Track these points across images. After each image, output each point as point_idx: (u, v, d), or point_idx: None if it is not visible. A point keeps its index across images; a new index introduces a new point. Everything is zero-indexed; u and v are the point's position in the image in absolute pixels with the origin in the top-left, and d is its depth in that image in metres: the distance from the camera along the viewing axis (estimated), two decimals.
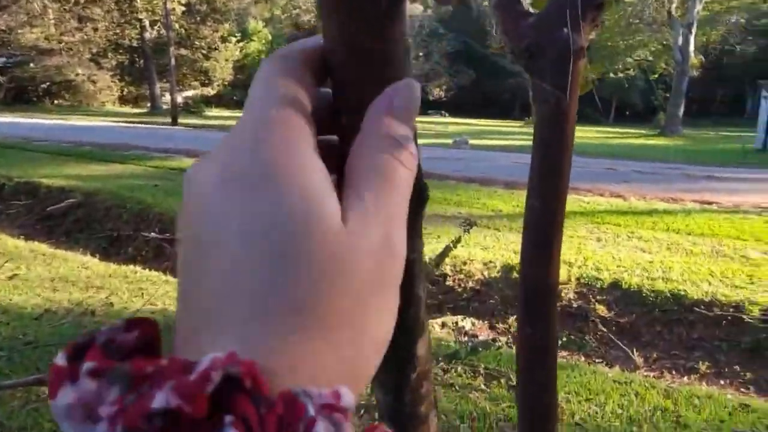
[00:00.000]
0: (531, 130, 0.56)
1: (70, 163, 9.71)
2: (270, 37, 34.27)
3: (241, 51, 33.78)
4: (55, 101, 29.37)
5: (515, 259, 4.72)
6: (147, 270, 4.91)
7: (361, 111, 0.27)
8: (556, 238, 0.56)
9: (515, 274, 4.55)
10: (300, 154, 0.23)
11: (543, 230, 0.56)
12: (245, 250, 0.21)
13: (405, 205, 0.25)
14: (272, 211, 0.21)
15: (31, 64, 26.36)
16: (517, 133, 18.11)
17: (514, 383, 2.71)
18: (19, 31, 25.10)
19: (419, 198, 0.34)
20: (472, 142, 15.02)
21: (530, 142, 0.56)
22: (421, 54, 38.06)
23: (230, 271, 0.21)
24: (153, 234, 5.78)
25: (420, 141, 0.30)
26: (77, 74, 27.62)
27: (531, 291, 0.56)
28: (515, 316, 4.29)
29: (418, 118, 0.29)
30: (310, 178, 0.22)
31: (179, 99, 23.36)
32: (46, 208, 7.02)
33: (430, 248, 5.17)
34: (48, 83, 28.00)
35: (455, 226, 2.76)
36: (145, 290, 4.28)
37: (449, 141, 15.00)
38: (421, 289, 0.36)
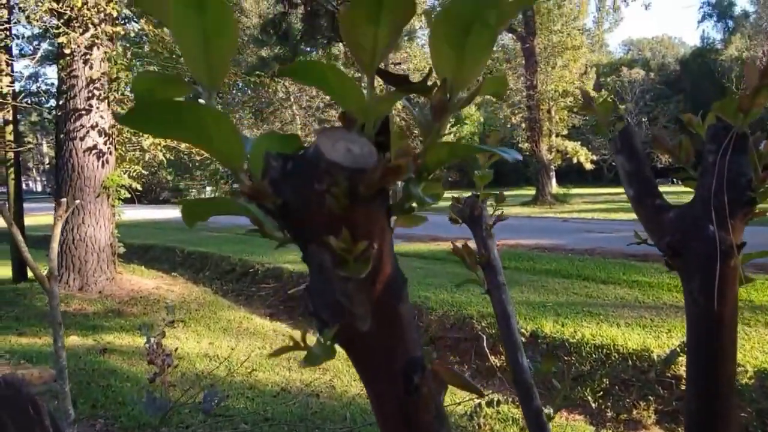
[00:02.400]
0: None
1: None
2: (482, 120, 35.67)
3: (454, 135, 35.74)
4: None
5: None
6: None
7: None
8: None
9: None
10: None
11: None
12: None
13: None
14: None
15: None
16: None
17: None
18: None
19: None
20: None
21: None
22: (644, 120, 35.59)
23: None
24: None
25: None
26: None
27: None
28: None
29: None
30: None
31: None
32: (288, 290, 8.08)
33: (659, 344, 4.60)
34: None
35: None
36: None
37: None
38: None
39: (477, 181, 0.78)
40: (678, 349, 2.58)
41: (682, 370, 4.15)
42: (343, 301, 0.29)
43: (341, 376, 4.58)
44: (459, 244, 0.91)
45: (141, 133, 8.34)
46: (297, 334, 0.38)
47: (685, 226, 0.50)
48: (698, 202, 0.50)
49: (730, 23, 41.94)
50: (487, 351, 4.96)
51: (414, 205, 0.30)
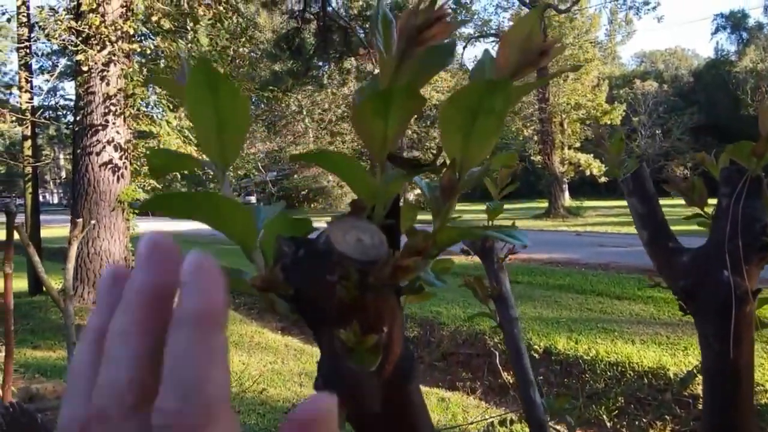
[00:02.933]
0: None
1: None
2: None
3: None
4: (312, 205, 34.57)
5: None
6: None
7: None
8: None
9: None
10: None
11: None
12: None
13: None
14: None
15: (295, 176, 31.79)
16: None
17: None
18: (287, 149, 30.69)
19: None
20: None
21: None
22: (658, 132, 35.39)
23: None
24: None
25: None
26: (328, 181, 32.24)
27: None
28: None
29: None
30: None
31: (410, 197, 25.47)
32: None
33: (675, 362, 4.53)
34: (306, 191, 33.23)
35: None
36: None
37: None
38: None
39: (488, 215, 0.78)
40: (695, 370, 2.54)
41: (699, 389, 4.08)
42: (352, 383, 0.29)
43: None
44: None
45: None
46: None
47: (699, 271, 0.49)
48: (713, 246, 0.49)
49: (744, 35, 41.67)
50: (500, 367, 4.91)
51: (423, 285, 0.30)
